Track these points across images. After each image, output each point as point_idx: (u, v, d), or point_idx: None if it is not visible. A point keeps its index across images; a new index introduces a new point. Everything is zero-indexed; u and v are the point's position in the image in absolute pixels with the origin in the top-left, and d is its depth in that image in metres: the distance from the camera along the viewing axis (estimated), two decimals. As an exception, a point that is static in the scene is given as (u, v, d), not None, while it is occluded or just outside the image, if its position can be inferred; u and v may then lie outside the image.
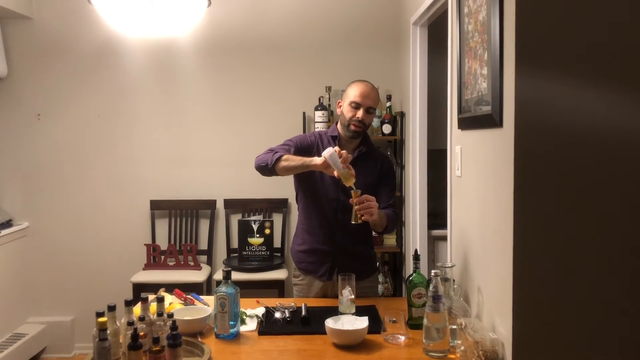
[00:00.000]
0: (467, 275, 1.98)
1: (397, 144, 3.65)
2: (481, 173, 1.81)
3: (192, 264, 3.54)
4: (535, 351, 1.48)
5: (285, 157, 2.14)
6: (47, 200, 3.71)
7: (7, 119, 3.67)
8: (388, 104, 3.57)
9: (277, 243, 3.67)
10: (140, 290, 3.28)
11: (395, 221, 2.31)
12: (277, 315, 2.04)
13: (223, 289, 1.84)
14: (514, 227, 1.47)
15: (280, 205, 3.73)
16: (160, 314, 1.68)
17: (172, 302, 2.06)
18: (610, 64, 1.44)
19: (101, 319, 1.50)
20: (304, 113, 3.64)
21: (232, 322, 1.85)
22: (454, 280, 1.91)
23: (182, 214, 3.73)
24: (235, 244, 3.67)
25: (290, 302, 2.18)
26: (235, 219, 3.69)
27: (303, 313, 2.01)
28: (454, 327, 1.73)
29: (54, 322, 3.69)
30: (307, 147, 2.29)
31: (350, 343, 1.77)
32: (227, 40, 3.67)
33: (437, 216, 3.36)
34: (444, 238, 2.63)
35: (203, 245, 3.75)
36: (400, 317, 1.82)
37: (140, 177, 3.73)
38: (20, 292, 3.64)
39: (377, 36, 3.69)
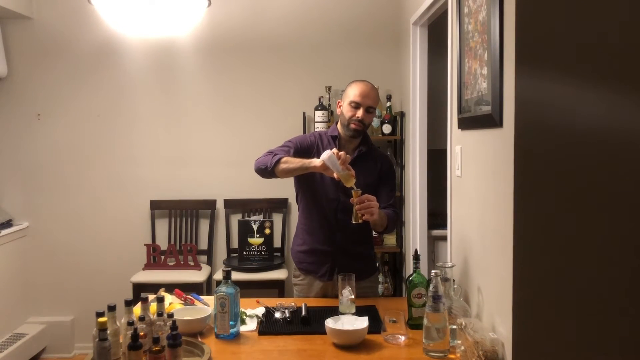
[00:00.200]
0: (467, 275, 1.98)
1: (397, 144, 3.65)
2: (481, 173, 1.81)
3: (192, 264, 3.54)
4: (535, 351, 1.48)
5: (284, 159, 2.14)
6: (47, 200, 3.72)
7: (7, 119, 3.67)
8: (388, 104, 3.57)
9: (277, 243, 3.67)
10: (140, 290, 3.28)
11: (396, 221, 2.31)
12: (277, 315, 2.04)
13: (223, 289, 1.84)
14: (514, 227, 1.47)
15: (280, 205, 3.73)
16: (160, 314, 1.68)
17: (172, 302, 2.06)
18: (610, 64, 1.44)
19: (101, 319, 1.50)
20: (304, 113, 3.64)
21: (232, 322, 1.85)
22: (454, 280, 1.91)
23: (182, 214, 3.73)
24: (235, 244, 3.67)
25: (290, 302, 2.18)
26: (235, 219, 3.69)
27: (303, 313, 2.01)
28: (454, 327, 1.73)
29: (54, 322, 3.70)
30: (307, 147, 2.29)
31: (350, 343, 1.77)
32: (227, 40, 3.67)
33: (437, 216, 3.36)
34: (444, 238, 2.63)
35: (203, 245, 3.75)
36: (400, 317, 1.82)
37: (140, 177, 3.73)
38: (20, 292, 3.64)
39: (377, 36, 3.69)
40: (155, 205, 3.71)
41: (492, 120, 1.62)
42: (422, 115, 3.25)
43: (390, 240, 3.61)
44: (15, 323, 3.58)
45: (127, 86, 3.69)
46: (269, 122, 3.71)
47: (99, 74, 3.67)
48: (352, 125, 2.22)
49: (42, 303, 3.74)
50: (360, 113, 2.20)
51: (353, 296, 2.02)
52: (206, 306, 2.03)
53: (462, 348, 1.63)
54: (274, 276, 3.41)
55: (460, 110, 2.07)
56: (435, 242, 3.44)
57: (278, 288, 3.38)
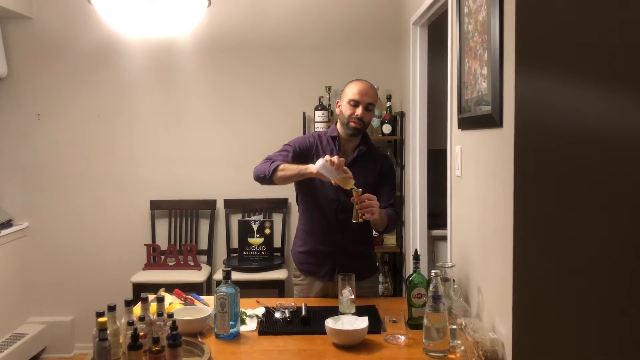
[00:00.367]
0: (467, 275, 1.98)
1: (397, 144, 3.65)
2: (481, 173, 1.81)
3: (192, 264, 3.54)
4: (535, 351, 1.48)
5: (281, 167, 2.15)
6: (47, 200, 3.72)
7: (7, 119, 3.67)
8: (388, 104, 3.57)
9: (277, 243, 3.67)
10: (140, 290, 3.28)
11: (396, 220, 2.31)
12: (277, 315, 2.04)
13: (223, 289, 1.84)
14: (514, 227, 1.47)
15: (280, 205, 3.73)
16: (160, 314, 1.68)
17: (172, 302, 2.06)
18: (610, 64, 1.44)
19: (101, 319, 1.50)
20: (304, 113, 3.64)
21: (232, 322, 1.85)
22: (454, 280, 1.91)
23: (182, 214, 3.73)
24: (235, 244, 3.67)
25: (290, 302, 2.18)
26: (235, 219, 3.69)
27: (303, 313, 2.01)
28: (454, 327, 1.73)
29: (54, 322, 3.70)
30: (306, 149, 2.29)
31: (350, 343, 1.77)
32: (227, 40, 3.67)
33: (437, 216, 3.36)
34: (444, 238, 2.63)
35: (203, 245, 3.75)
36: (400, 317, 1.82)
37: (140, 177, 3.73)
38: (20, 292, 3.64)
39: (377, 36, 3.69)
40: (155, 205, 3.71)
41: (492, 120, 1.62)
42: (422, 115, 3.25)
43: (390, 240, 3.61)
44: (15, 323, 3.58)
45: (127, 86, 3.69)
46: (269, 122, 3.71)
47: (99, 74, 3.67)
48: (352, 124, 2.22)
49: (42, 303, 3.74)
50: (359, 111, 2.20)
51: (353, 296, 2.02)
52: (206, 306, 2.03)
53: (462, 348, 1.63)
54: (274, 276, 3.41)
55: (460, 110, 2.07)
56: (435, 242, 3.44)
57: (278, 288, 3.38)
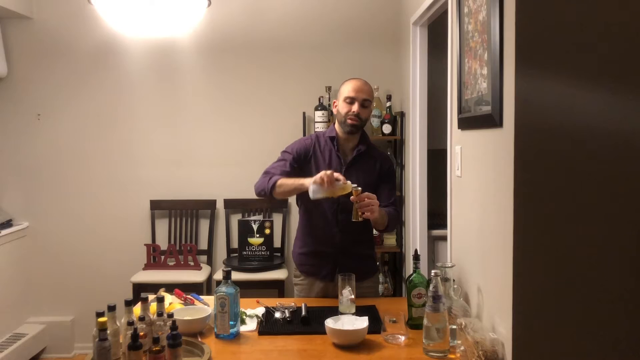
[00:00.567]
0: (467, 275, 1.98)
1: (397, 144, 3.65)
2: (481, 173, 1.81)
3: (192, 264, 3.54)
4: (535, 351, 1.48)
5: (278, 184, 2.17)
6: (47, 200, 3.72)
7: (7, 119, 3.67)
8: (388, 104, 3.57)
9: (277, 243, 3.67)
10: (140, 290, 3.28)
11: (397, 219, 2.31)
12: (277, 315, 2.04)
13: (223, 289, 1.84)
14: (514, 227, 1.47)
15: (280, 205, 3.72)
16: (160, 314, 1.68)
17: (172, 302, 2.06)
18: (610, 64, 1.44)
19: (101, 319, 1.50)
20: (304, 113, 3.64)
21: (232, 322, 1.85)
22: (454, 280, 1.91)
23: (182, 214, 3.73)
24: (235, 244, 3.67)
25: (290, 302, 2.18)
26: (235, 219, 3.69)
27: (303, 313, 2.01)
28: (454, 327, 1.73)
29: (54, 322, 3.69)
30: (304, 152, 2.30)
31: (350, 343, 1.77)
32: (227, 41, 3.67)
33: (437, 216, 3.36)
34: (444, 238, 2.63)
35: (203, 245, 3.75)
36: (400, 317, 1.82)
37: (140, 177, 3.73)
38: (20, 292, 3.64)
39: (377, 36, 3.69)
40: (155, 205, 3.71)
41: (492, 120, 1.62)
42: (422, 115, 3.25)
43: (390, 240, 3.61)
44: (15, 323, 3.58)
45: (127, 86, 3.69)
46: (269, 122, 3.71)
47: (99, 74, 3.67)
48: (349, 121, 2.22)
49: (42, 303, 3.74)
50: (355, 107, 2.21)
51: (353, 296, 2.02)
52: (206, 306, 2.03)
53: (462, 348, 1.63)
54: (274, 276, 3.41)
55: (460, 110, 2.07)
56: (435, 242, 3.44)
57: (278, 288, 3.38)
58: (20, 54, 3.64)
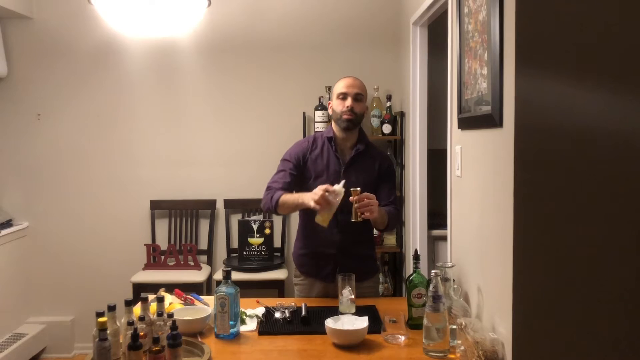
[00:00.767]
0: (467, 275, 1.98)
1: (397, 144, 3.65)
2: (481, 173, 1.81)
3: (192, 264, 3.54)
4: (535, 351, 1.48)
5: (280, 202, 2.19)
6: (47, 200, 3.72)
7: (7, 119, 3.67)
8: (388, 104, 3.57)
9: (277, 243, 3.67)
10: (140, 290, 3.28)
11: (397, 218, 2.31)
12: (277, 315, 2.04)
13: (223, 289, 1.84)
14: (514, 227, 1.47)
15: (280, 205, 3.72)
16: (160, 314, 1.68)
17: (172, 302, 2.06)
18: (610, 64, 1.44)
19: (101, 319, 1.50)
20: (304, 113, 3.64)
21: (232, 322, 1.85)
22: (454, 280, 1.91)
23: (182, 214, 3.73)
24: (235, 244, 3.67)
25: (290, 302, 2.18)
26: (235, 218, 3.69)
27: (303, 313, 2.01)
28: (454, 327, 1.73)
29: (54, 322, 3.69)
30: (302, 155, 2.31)
31: (350, 343, 1.77)
32: (227, 40, 3.67)
33: (437, 216, 3.36)
34: (444, 238, 2.63)
35: (203, 245, 3.75)
36: (400, 317, 1.82)
37: (140, 177, 3.73)
38: (20, 292, 3.64)
39: (377, 36, 3.69)
40: (155, 205, 3.71)
41: (492, 120, 1.62)
42: (422, 115, 3.25)
43: (390, 240, 3.61)
44: (15, 323, 3.58)
45: (127, 86, 3.69)
46: (269, 122, 3.71)
47: (99, 74, 3.67)
48: (344, 116, 2.23)
49: (42, 303, 3.74)
50: (349, 102, 2.22)
51: (353, 296, 2.02)
52: (206, 306, 2.03)
53: (462, 348, 1.63)
54: (274, 276, 3.40)
55: (460, 110, 2.07)
56: (435, 242, 3.44)
57: (278, 288, 3.38)
58: (20, 54, 3.63)
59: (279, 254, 3.68)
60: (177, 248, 3.61)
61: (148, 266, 3.56)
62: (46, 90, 3.67)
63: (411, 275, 1.94)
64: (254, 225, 3.54)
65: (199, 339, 1.80)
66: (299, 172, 2.29)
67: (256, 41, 3.68)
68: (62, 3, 3.61)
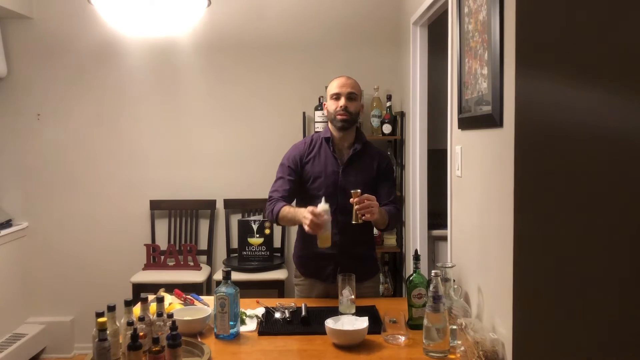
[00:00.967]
0: (467, 275, 1.98)
1: (397, 144, 3.65)
2: (481, 173, 1.81)
3: (192, 264, 3.54)
4: (535, 351, 1.47)
5: (280, 216, 2.21)
6: (47, 200, 3.71)
7: (7, 119, 3.67)
8: (388, 104, 3.56)
9: (277, 243, 3.67)
10: (140, 290, 3.27)
11: (398, 217, 2.31)
12: (277, 315, 2.04)
13: (223, 289, 1.84)
14: (514, 227, 1.47)
15: (280, 205, 3.72)
16: (160, 314, 1.68)
17: (172, 302, 2.06)
18: (611, 64, 1.44)
19: (101, 319, 1.50)
20: (304, 113, 3.64)
21: (232, 322, 1.85)
22: (454, 280, 1.90)
23: (182, 214, 3.73)
24: (235, 244, 3.67)
25: (290, 302, 2.18)
26: (235, 219, 3.69)
27: (303, 313, 2.01)
28: (454, 327, 1.73)
29: (54, 322, 3.69)
30: (300, 158, 2.32)
31: (350, 343, 1.77)
32: (227, 40, 3.67)
33: (437, 216, 3.36)
34: (444, 238, 2.63)
35: (203, 245, 3.75)
36: (400, 317, 1.81)
37: (140, 177, 3.73)
38: (20, 292, 3.64)
39: (377, 36, 3.69)
40: (155, 205, 3.71)
41: (492, 120, 1.62)
42: (422, 115, 3.25)
43: (390, 240, 3.61)
44: (15, 323, 3.58)
45: (127, 86, 3.68)
46: (269, 122, 3.71)
47: (99, 74, 3.67)
48: (339, 116, 2.23)
49: (42, 303, 3.73)
50: (342, 101, 2.23)
51: (353, 296, 2.02)
52: (206, 306, 2.03)
53: (462, 348, 1.63)
54: (273, 276, 3.40)
55: (460, 110, 2.07)
56: (435, 242, 3.44)
57: (278, 288, 3.38)
58: (20, 54, 3.63)
59: (278, 254, 3.68)
60: (177, 248, 3.61)
61: (148, 266, 3.56)
62: (46, 90, 3.67)
63: (411, 275, 1.94)
64: (253, 226, 3.54)
65: (199, 339, 1.80)
66: (297, 176, 2.29)
67: (256, 41, 3.68)
68: (62, 3, 3.61)
